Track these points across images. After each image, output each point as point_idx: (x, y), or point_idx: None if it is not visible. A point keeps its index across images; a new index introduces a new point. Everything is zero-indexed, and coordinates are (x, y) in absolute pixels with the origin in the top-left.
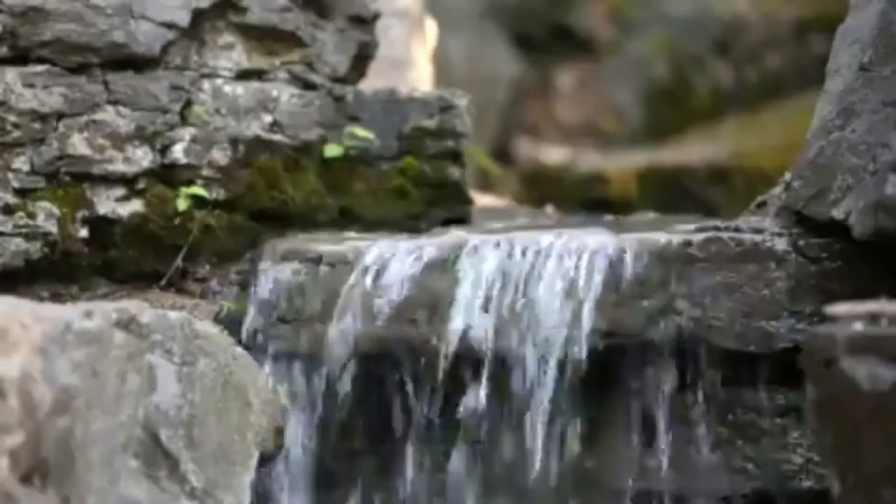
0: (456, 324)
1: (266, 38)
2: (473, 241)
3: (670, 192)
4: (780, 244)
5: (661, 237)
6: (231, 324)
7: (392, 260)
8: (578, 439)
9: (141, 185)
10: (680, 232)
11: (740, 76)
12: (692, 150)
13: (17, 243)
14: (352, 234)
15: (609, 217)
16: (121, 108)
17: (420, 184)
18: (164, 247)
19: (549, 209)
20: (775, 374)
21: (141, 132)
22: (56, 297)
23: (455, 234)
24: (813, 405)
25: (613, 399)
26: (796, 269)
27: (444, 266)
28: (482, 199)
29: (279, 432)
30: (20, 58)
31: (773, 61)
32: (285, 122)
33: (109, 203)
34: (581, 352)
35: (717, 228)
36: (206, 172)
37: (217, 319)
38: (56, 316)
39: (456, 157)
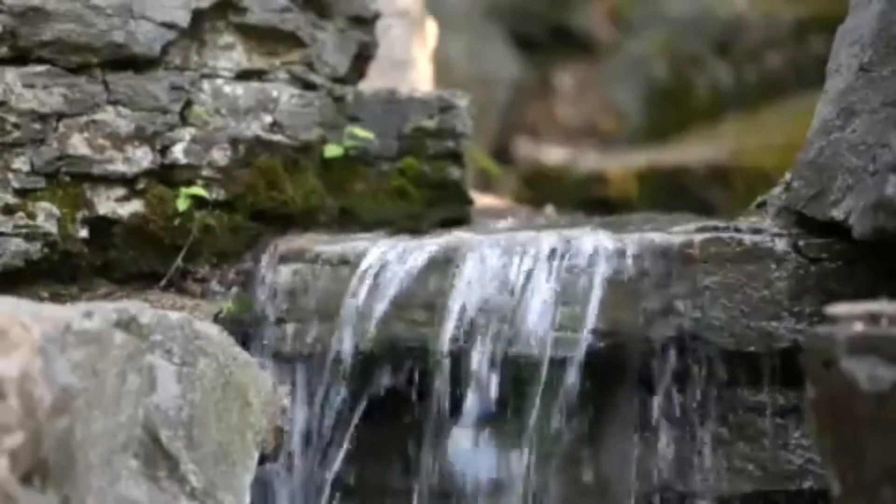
0: (455, 324)
1: (266, 38)
2: (473, 242)
3: (670, 192)
4: (780, 244)
5: (661, 237)
6: (231, 324)
7: (392, 260)
8: (578, 440)
9: (141, 185)
10: (680, 232)
11: (740, 76)
12: (692, 150)
13: (17, 243)
14: (352, 234)
15: (609, 217)
16: (121, 108)
17: (420, 184)
18: (164, 247)
19: (549, 209)
20: (775, 374)
21: (141, 132)
22: (56, 298)
23: (455, 234)
24: (813, 405)
25: (613, 399)
26: (796, 270)
27: (445, 266)
28: (482, 199)
29: (279, 432)
30: (20, 58)
31: (773, 61)
32: (285, 123)
33: (109, 203)
34: (581, 352)
35: (717, 228)
36: (206, 172)
37: (217, 319)
38: (56, 316)
39: (456, 157)
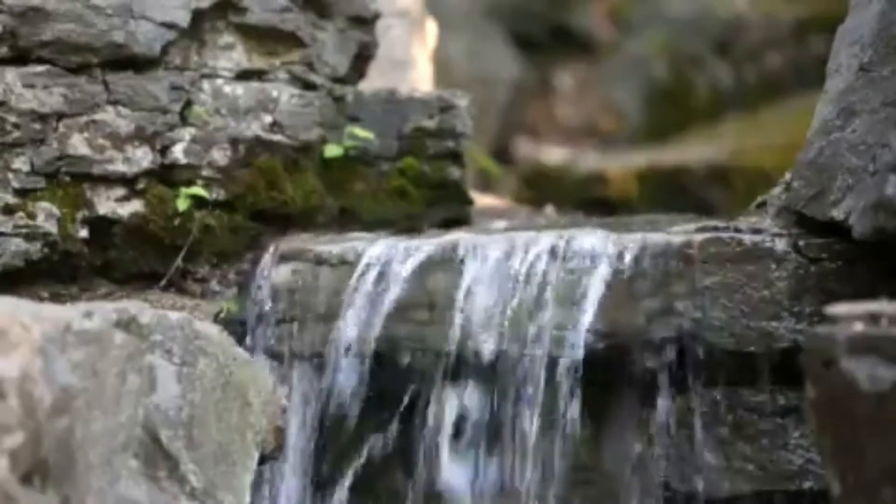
0: (456, 324)
1: (266, 38)
2: (473, 242)
3: (670, 192)
4: (780, 244)
5: (661, 237)
6: (231, 324)
7: (392, 260)
8: (579, 440)
9: (141, 185)
10: (680, 232)
11: (740, 76)
12: (692, 150)
13: (17, 243)
14: (352, 234)
15: (609, 217)
16: (121, 108)
17: (420, 184)
18: (164, 247)
19: (549, 209)
20: (775, 374)
21: (141, 132)
22: (56, 298)
23: (455, 234)
24: (813, 405)
25: (613, 400)
26: (796, 270)
27: (444, 266)
28: (482, 199)
29: (279, 432)
30: (20, 58)
31: (773, 61)
32: (285, 122)
33: (109, 203)
34: (581, 352)
35: (717, 228)
36: (206, 172)
37: (217, 319)
38: (56, 316)
39: (456, 157)
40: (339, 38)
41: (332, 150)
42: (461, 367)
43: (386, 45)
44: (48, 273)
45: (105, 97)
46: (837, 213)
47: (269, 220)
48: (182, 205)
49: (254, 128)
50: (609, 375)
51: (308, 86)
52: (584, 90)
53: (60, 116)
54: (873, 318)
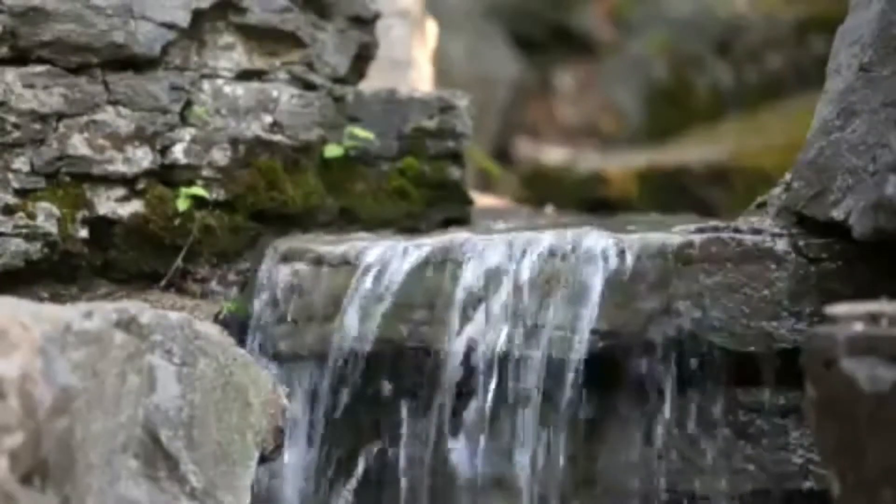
0: (456, 324)
1: (266, 38)
2: (473, 242)
3: (670, 192)
4: (780, 244)
5: (661, 237)
6: (231, 324)
7: (392, 260)
8: (579, 440)
9: (141, 185)
10: (680, 232)
11: (740, 76)
12: (692, 150)
13: (17, 244)
14: (352, 234)
15: (609, 217)
16: (121, 109)
17: (420, 184)
18: (164, 247)
19: (549, 209)
20: (775, 374)
21: (141, 132)
22: (56, 298)
23: (455, 234)
24: (813, 406)
25: (614, 400)
26: (796, 270)
27: (445, 266)
28: (482, 199)
29: (279, 433)
30: (20, 58)
31: (773, 61)
32: (285, 123)
33: (109, 203)
34: (581, 352)
35: (717, 228)
36: (206, 173)
37: (217, 320)
38: (56, 316)
39: (456, 157)
40: (339, 38)
41: (332, 150)
42: (460, 368)
43: (386, 45)
44: (48, 273)
45: (105, 97)
46: (837, 213)
47: (269, 220)
48: (182, 205)
49: (254, 128)
50: (609, 375)
51: (308, 86)
52: (584, 90)
53: (60, 116)
54: (873, 318)
